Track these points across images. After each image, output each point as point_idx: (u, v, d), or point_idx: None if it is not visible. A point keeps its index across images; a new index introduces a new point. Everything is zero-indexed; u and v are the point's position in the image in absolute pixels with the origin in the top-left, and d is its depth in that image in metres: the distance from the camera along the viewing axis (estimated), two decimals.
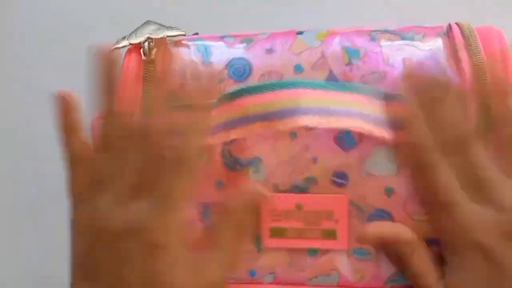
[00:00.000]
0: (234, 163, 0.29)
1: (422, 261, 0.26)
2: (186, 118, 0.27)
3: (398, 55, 0.29)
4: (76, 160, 0.28)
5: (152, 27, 0.32)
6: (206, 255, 0.26)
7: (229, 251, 0.27)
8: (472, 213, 0.25)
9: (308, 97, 0.28)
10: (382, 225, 0.27)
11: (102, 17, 0.46)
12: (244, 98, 0.28)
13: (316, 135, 0.28)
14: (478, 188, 0.25)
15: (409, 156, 0.27)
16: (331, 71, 0.29)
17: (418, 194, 0.27)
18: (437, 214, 0.26)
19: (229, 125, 0.28)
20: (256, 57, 0.30)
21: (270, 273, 0.29)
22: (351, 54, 0.29)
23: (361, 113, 0.27)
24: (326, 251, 0.28)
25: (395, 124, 0.27)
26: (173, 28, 0.33)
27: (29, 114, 0.45)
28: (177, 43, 0.32)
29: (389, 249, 0.27)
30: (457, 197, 0.25)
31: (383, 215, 0.28)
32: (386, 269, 0.28)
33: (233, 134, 0.28)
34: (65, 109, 0.29)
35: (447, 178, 0.26)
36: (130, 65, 0.31)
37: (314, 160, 0.28)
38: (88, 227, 0.26)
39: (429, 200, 0.26)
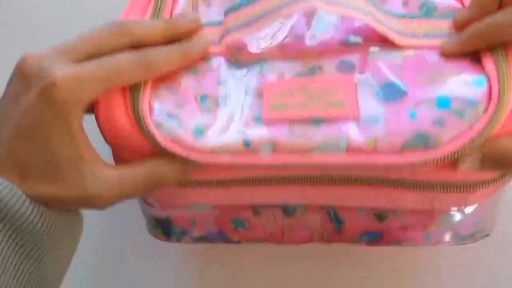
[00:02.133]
0: (239, 65, 0.30)
1: None
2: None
3: None
4: None
5: None
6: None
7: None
8: None
9: None
10: None
11: None
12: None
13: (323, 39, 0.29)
14: None
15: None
16: None
17: None
18: None
19: (247, 24, 0.29)
20: None
21: (268, 144, 0.26)
22: None
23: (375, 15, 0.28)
24: (332, 120, 0.26)
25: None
26: None
27: None
28: None
29: None
30: None
31: (395, 86, 0.27)
32: (401, 133, 0.25)
33: (247, 31, 0.29)
34: None
35: None
36: None
37: (320, 52, 0.29)
38: None
39: None
